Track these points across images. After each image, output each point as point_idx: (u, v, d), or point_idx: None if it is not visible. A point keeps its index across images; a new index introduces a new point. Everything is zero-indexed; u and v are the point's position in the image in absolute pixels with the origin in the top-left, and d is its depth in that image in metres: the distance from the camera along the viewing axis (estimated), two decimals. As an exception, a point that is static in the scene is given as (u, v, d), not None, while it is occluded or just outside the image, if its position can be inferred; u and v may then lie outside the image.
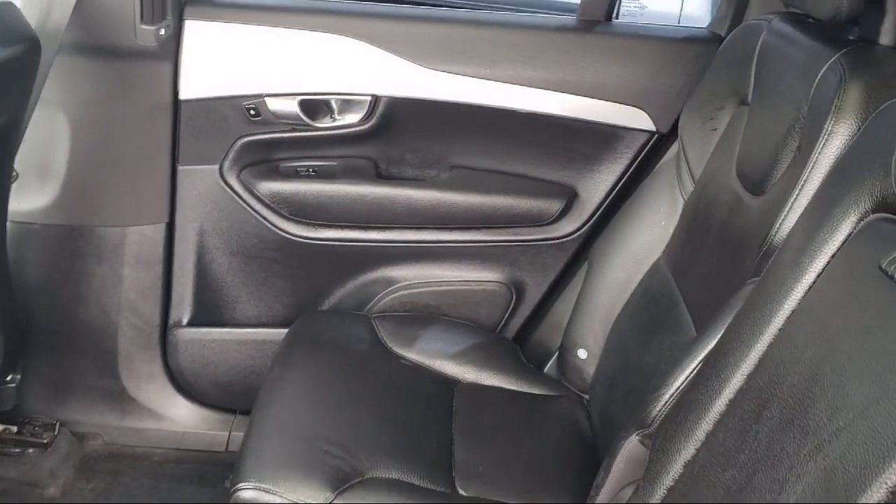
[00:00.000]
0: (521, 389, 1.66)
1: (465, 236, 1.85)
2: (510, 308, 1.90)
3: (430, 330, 1.75)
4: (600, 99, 1.73)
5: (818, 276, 0.99)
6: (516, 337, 1.93)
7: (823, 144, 1.09)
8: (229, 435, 1.93)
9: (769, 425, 0.95)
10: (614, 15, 1.82)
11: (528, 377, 1.69)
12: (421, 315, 1.85)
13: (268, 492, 1.24)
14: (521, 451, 1.50)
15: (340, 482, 1.28)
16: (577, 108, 1.73)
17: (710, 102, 1.52)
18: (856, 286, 0.93)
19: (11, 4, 1.39)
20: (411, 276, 1.88)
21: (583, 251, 1.84)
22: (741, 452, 0.99)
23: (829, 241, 0.99)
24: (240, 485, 1.27)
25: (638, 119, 1.74)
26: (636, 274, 1.61)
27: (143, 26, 1.58)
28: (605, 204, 1.81)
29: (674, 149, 1.65)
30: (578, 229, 1.84)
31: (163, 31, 1.61)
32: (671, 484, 1.11)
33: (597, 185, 1.81)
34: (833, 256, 0.98)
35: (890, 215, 0.92)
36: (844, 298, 0.94)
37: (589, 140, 1.77)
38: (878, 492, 0.70)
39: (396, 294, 1.89)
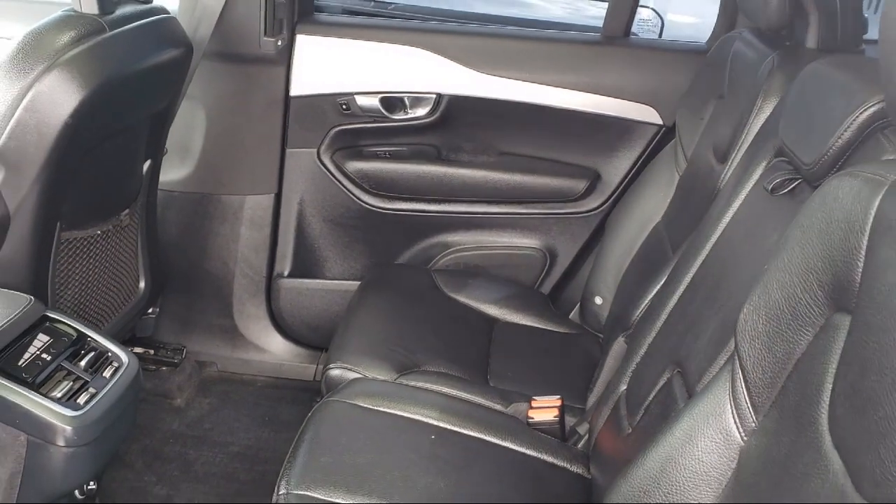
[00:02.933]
0: (547, 328, 2.08)
1: (508, 209, 2.29)
2: (544, 269, 2.33)
3: (478, 281, 2.19)
4: (618, 98, 2.16)
5: (741, 204, 1.40)
6: (549, 294, 2.34)
7: (754, 117, 1.50)
8: (317, 367, 2.39)
9: (698, 303, 1.37)
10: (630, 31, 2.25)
11: (554, 320, 2.10)
12: (471, 271, 2.29)
13: (350, 370, 1.70)
14: (543, 367, 1.92)
15: (402, 368, 1.73)
16: (600, 105, 2.16)
17: (698, 98, 1.94)
18: (756, 205, 1.34)
19: (175, 19, 1.90)
20: (464, 241, 2.32)
21: (605, 223, 2.25)
22: (679, 324, 1.40)
23: (748, 180, 1.40)
24: (330, 366, 1.73)
25: (649, 114, 2.16)
26: (640, 236, 2.02)
27: (266, 38, 2.08)
28: (623, 184, 2.23)
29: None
30: (601, 205, 2.26)
31: (280, 43, 2.12)
32: (634, 367, 1.52)
33: (616, 169, 2.23)
34: (750, 190, 1.39)
35: (781, 158, 1.33)
36: (750, 216, 1.35)
37: (609, 131, 2.19)
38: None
39: (451, 256, 2.33)
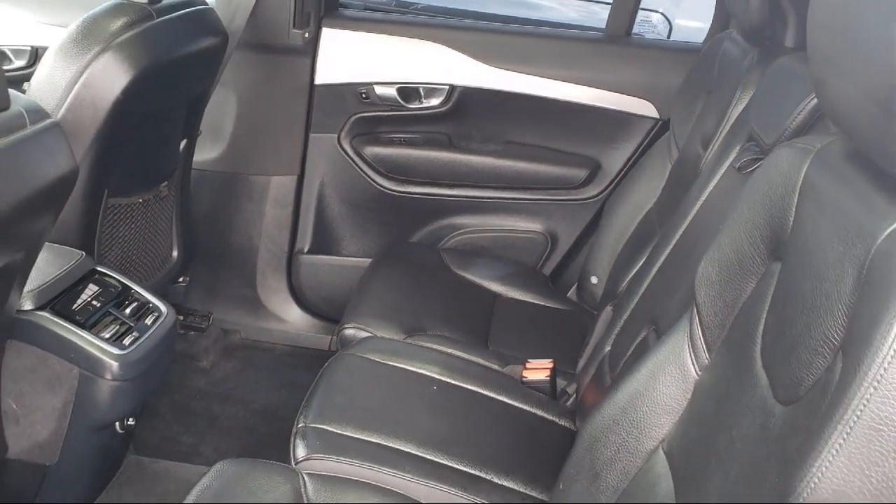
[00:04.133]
0: (546, 304, 2.24)
1: (513, 194, 2.46)
2: (546, 252, 2.49)
3: (483, 260, 2.36)
4: (618, 93, 2.33)
5: (715, 184, 1.57)
6: (550, 274, 2.51)
7: (733, 107, 1.66)
8: (331, 338, 2.56)
9: (673, 270, 1.54)
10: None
11: (553, 297, 2.27)
12: (477, 251, 2.46)
13: (362, 330, 1.88)
14: (539, 337, 2.08)
15: (410, 331, 1.91)
16: (601, 99, 2.33)
17: (690, 94, 2.10)
18: (727, 184, 1.50)
19: (213, 10, 2.09)
20: (471, 224, 2.50)
21: (603, 209, 2.41)
22: (658, 289, 1.57)
23: (724, 163, 1.57)
24: (344, 326, 1.91)
25: (646, 108, 2.32)
26: (634, 220, 2.18)
27: (294, 30, 2.27)
28: (621, 173, 2.39)
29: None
30: (600, 193, 2.43)
31: (307, 35, 2.30)
32: (617, 331, 1.68)
33: (614, 159, 2.40)
34: (724, 171, 1.56)
35: (751, 142, 1.49)
36: (722, 193, 1.52)
37: (609, 124, 2.36)
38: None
39: (459, 237, 2.51)
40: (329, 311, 2.57)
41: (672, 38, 2.84)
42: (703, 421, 1.08)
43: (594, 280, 2.25)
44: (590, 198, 2.44)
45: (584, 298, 2.29)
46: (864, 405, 0.65)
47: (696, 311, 1.15)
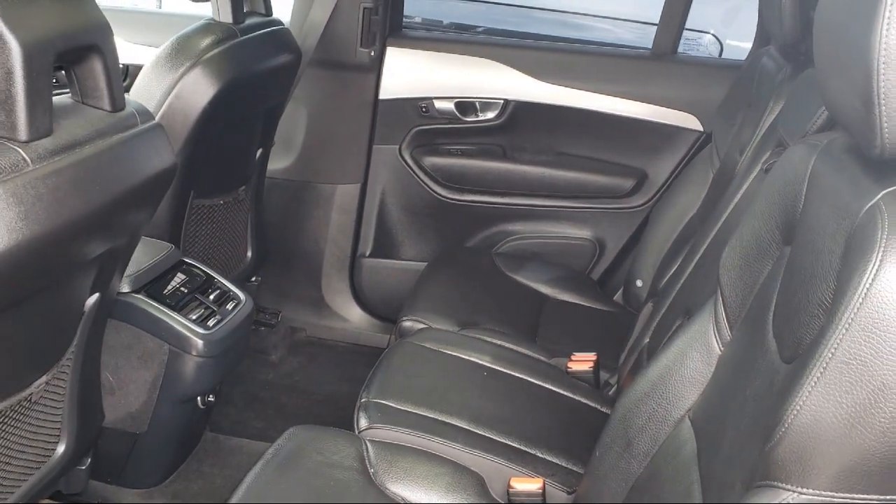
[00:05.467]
0: (592, 306, 2.37)
1: (563, 203, 2.60)
2: (594, 258, 2.62)
3: (534, 264, 2.49)
4: (665, 107, 2.46)
5: (748, 186, 1.69)
6: (598, 279, 2.64)
7: (766, 116, 1.78)
8: (390, 337, 2.72)
9: (707, 265, 1.66)
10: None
11: (600, 300, 2.40)
12: (529, 256, 2.60)
13: (419, 322, 2.04)
14: (585, 334, 2.21)
15: (463, 324, 2.06)
16: (647, 112, 2.47)
17: (731, 107, 2.21)
18: (757, 185, 1.62)
19: (288, 30, 2.29)
20: (523, 230, 2.64)
21: (649, 217, 2.53)
22: (694, 283, 1.69)
23: (756, 167, 1.69)
24: (403, 318, 2.07)
25: (691, 122, 2.45)
26: (678, 227, 2.29)
27: (361, 49, 2.47)
28: (667, 183, 2.51)
29: (712, 141, 2.35)
30: (647, 202, 2.55)
31: (372, 53, 2.49)
32: (656, 324, 1.80)
33: (661, 170, 2.52)
34: (756, 174, 1.68)
35: (780, 147, 1.61)
36: (752, 194, 1.63)
37: (655, 136, 2.49)
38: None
39: (512, 243, 2.65)
40: (387, 312, 2.73)
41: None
42: (723, 388, 1.21)
43: (639, 283, 2.37)
44: (636, 206, 2.56)
45: (629, 301, 2.40)
46: (838, 345, 0.78)
47: (720, 293, 1.28)
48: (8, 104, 1.07)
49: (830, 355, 0.78)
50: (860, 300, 0.77)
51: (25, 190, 1.06)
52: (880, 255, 0.78)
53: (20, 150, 1.08)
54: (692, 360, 1.30)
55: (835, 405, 0.78)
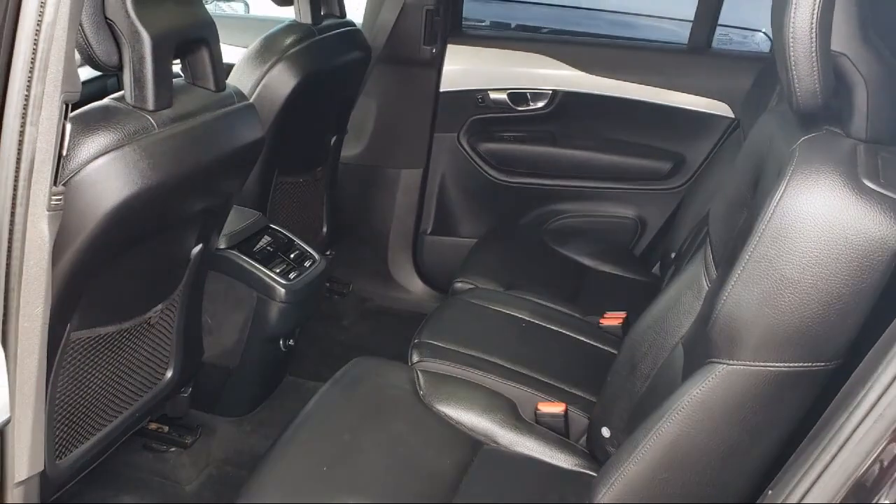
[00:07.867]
0: (630, 276, 2.61)
1: (607, 184, 2.85)
2: (636, 235, 2.86)
3: (579, 239, 2.74)
4: (700, 96, 2.68)
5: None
6: (640, 255, 2.87)
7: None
8: (448, 306, 3.02)
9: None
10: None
11: (639, 272, 2.63)
12: (575, 232, 2.85)
13: (469, 283, 2.32)
14: (619, 297, 2.44)
15: (508, 287, 2.33)
16: (685, 101, 2.69)
17: (757, 94, 2.42)
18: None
19: (360, 30, 2.61)
20: (570, 209, 2.90)
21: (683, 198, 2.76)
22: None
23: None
24: (455, 281, 2.36)
25: (723, 109, 2.66)
26: (707, 205, 2.50)
27: (424, 46, 2.77)
28: (702, 166, 2.73)
29: (742, 126, 2.56)
30: (684, 183, 2.77)
31: (434, 50, 2.79)
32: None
33: (697, 153, 2.74)
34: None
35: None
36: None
37: (691, 123, 2.71)
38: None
39: (560, 221, 2.91)
40: (446, 284, 2.96)
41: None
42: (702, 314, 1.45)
43: (673, 255, 2.60)
44: (675, 187, 2.79)
45: (663, 272, 2.63)
46: (753, 249, 1.03)
47: (708, 240, 1.53)
48: (140, 82, 1.41)
49: (748, 256, 1.04)
50: (770, 214, 1.02)
51: (154, 147, 1.39)
52: (787, 182, 1.03)
53: (149, 116, 1.42)
54: (687, 297, 1.55)
55: (750, 293, 1.03)
